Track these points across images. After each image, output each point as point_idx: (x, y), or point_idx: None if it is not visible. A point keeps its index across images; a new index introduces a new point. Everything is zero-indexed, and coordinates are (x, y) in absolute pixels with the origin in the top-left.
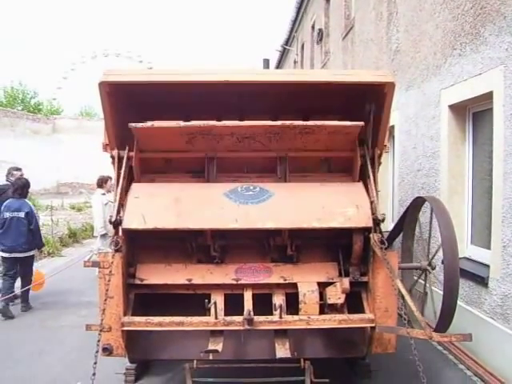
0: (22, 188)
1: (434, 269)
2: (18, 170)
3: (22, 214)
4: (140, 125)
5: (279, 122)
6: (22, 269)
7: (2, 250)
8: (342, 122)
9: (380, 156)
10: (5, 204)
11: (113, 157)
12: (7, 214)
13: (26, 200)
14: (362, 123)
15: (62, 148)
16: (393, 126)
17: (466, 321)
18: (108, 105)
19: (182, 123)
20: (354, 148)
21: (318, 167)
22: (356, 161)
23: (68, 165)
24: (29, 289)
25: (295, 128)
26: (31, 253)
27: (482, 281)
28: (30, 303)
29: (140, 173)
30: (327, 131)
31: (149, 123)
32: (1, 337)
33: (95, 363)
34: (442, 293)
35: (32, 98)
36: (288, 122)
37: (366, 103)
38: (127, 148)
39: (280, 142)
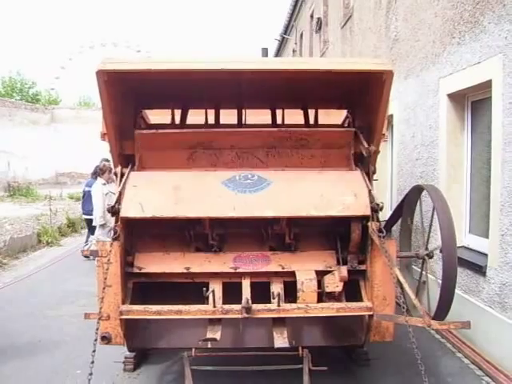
0: (94, 173)
1: (432, 257)
2: (106, 160)
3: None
4: (144, 131)
5: (275, 129)
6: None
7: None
8: (334, 129)
9: (378, 145)
10: (85, 182)
11: (116, 174)
12: (86, 189)
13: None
14: (353, 129)
15: (61, 138)
16: (391, 115)
17: (464, 310)
18: (106, 93)
19: (184, 130)
20: (349, 164)
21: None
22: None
23: (66, 155)
24: None
25: (291, 139)
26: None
27: (480, 269)
28: None
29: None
30: (321, 143)
31: (152, 130)
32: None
33: (94, 351)
34: (440, 282)
35: (30, 88)
36: (284, 129)
37: (365, 92)
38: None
39: (277, 158)
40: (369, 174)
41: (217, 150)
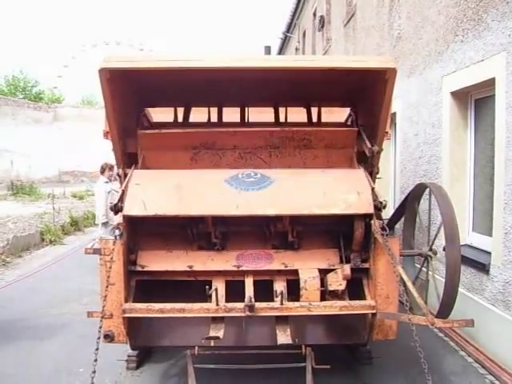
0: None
1: (435, 255)
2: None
3: None
4: (147, 131)
5: (278, 129)
6: None
7: None
8: (337, 129)
9: (381, 144)
10: None
11: (120, 175)
12: None
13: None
14: (356, 129)
15: (64, 136)
16: (394, 113)
17: (467, 308)
18: (108, 91)
19: (186, 130)
20: (352, 164)
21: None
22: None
23: (69, 153)
24: None
25: (294, 139)
26: None
27: (484, 268)
28: None
29: None
30: (325, 143)
31: (155, 130)
32: (2, 323)
33: (97, 349)
34: (443, 280)
35: (33, 87)
36: (287, 128)
37: (368, 90)
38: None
39: (280, 158)
40: (372, 173)
41: (220, 150)
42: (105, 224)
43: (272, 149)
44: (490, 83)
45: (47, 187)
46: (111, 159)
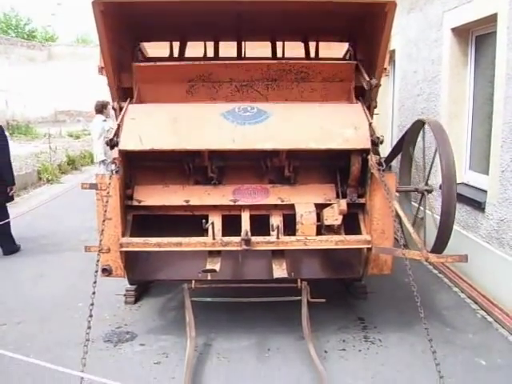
0: None
1: (431, 192)
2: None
3: None
4: (143, 64)
5: (275, 61)
6: None
7: None
8: (335, 62)
9: (379, 79)
10: None
11: (115, 109)
12: None
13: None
14: (354, 62)
15: (59, 75)
16: (394, 51)
17: (462, 245)
18: (102, 25)
19: (182, 62)
20: (350, 98)
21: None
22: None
23: (65, 93)
24: None
25: (291, 72)
26: None
27: (479, 206)
28: None
29: None
30: (322, 76)
31: (150, 63)
32: (3, 261)
33: (95, 282)
34: (438, 218)
35: (26, 25)
36: (284, 61)
37: (367, 24)
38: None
39: (277, 90)
40: (370, 107)
41: (216, 82)
42: (103, 162)
43: (269, 82)
44: (492, 19)
45: (43, 127)
46: (107, 98)
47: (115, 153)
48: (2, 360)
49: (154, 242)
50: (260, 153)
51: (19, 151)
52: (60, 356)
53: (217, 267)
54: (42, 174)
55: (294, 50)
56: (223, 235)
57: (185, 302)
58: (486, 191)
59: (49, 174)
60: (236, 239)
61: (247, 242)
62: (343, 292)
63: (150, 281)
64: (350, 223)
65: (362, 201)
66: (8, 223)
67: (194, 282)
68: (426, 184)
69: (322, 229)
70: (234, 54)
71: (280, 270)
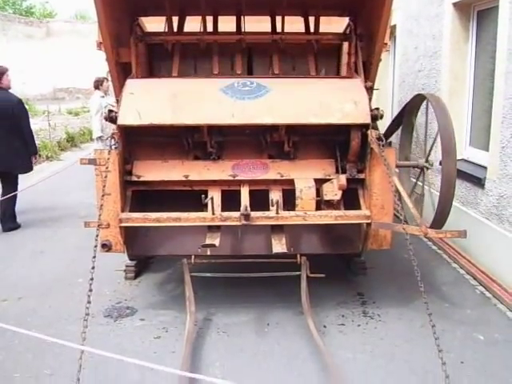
0: None
1: (431, 166)
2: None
3: None
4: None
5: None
6: None
7: None
8: (335, 37)
9: (379, 54)
10: None
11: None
12: None
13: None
14: (355, 37)
15: (57, 52)
16: (394, 26)
17: (461, 221)
18: None
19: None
20: (350, 72)
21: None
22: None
23: (64, 70)
24: None
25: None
26: None
27: (479, 182)
28: None
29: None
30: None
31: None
32: (3, 237)
33: (94, 257)
34: (438, 193)
35: (23, 1)
36: (283, 36)
37: None
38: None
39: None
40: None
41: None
42: (100, 138)
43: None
44: None
45: (42, 104)
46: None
47: (114, 128)
48: (3, 335)
49: (153, 218)
50: (259, 128)
51: None
52: (60, 331)
53: (216, 242)
54: (41, 151)
55: (293, 25)
56: (223, 210)
57: (184, 277)
58: (485, 167)
59: (48, 151)
60: (235, 214)
61: (247, 217)
62: (342, 267)
63: (149, 256)
64: (350, 198)
65: (361, 176)
66: (14, 200)
67: (193, 257)
68: (427, 160)
69: (321, 204)
70: (234, 29)
71: (279, 245)
